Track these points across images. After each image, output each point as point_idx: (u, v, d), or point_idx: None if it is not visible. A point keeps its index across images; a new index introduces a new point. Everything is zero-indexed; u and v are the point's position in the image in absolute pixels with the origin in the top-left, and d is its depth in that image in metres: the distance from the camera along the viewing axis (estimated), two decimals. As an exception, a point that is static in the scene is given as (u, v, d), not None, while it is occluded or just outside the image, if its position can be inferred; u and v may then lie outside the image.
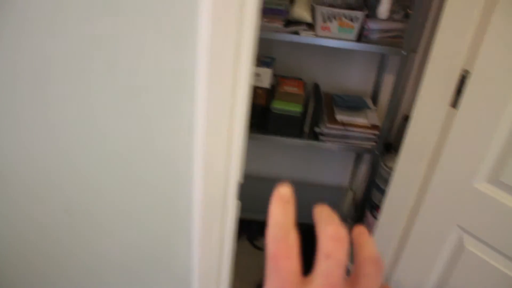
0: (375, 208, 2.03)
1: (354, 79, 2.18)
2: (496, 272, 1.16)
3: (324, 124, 1.90)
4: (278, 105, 1.92)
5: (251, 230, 2.31)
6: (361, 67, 2.14)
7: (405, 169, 1.36)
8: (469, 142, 1.14)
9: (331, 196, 2.47)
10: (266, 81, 1.90)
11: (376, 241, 1.55)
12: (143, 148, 0.73)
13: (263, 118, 1.96)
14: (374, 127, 1.90)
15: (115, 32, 0.64)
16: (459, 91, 1.14)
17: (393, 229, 1.46)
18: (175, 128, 0.69)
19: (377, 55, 2.08)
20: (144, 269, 0.89)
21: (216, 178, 0.67)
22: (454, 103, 1.16)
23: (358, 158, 2.44)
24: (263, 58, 2.01)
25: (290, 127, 1.94)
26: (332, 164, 2.50)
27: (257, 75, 1.89)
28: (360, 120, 1.90)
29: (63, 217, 0.82)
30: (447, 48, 1.15)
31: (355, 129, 1.88)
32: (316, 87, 2.05)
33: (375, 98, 2.16)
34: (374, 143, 1.91)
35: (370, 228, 2.04)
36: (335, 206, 2.38)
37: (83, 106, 0.70)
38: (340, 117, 1.90)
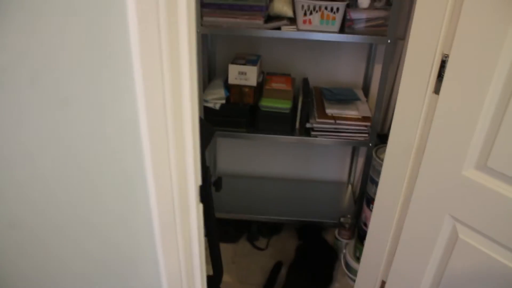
0: (371, 201, 1.99)
1: (344, 71, 2.14)
2: (491, 261, 1.12)
3: (314, 119, 1.86)
4: (266, 103, 1.89)
5: (250, 230, 2.28)
6: (350, 59, 2.10)
7: (393, 159, 1.32)
8: (453, 128, 1.10)
9: (331, 192, 2.44)
10: (252, 79, 1.87)
11: (371, 234, 1.51)
12: (93, 159, 0.70)
13: (253, 117, 1.93)
14: (365, 118, 1.86)
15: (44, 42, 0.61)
16: (441, 76, 1.10)
17: (387, 222, 1.42)
18: (122, 138, 0.66)
19: (365, 45, 2.04)
20: (109, 278, 0.86)
21: (169, 183, 0.64)
22: (437, 89, 1.12)
23: (354, 152, 2.40)
24: (249, 56, 1.98)
25: (280, 124, 1.91)
26: (330, 160, 2.46)
27: (243, 74, 1.86)
28: (350, 112, 1.86)
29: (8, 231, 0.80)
30: (424, 32, 1.11)
31: (346, 122, 1.84)
32: (305, 81, 2.01)
33: (366, 89, 2.12)
34: (367, 135, 1.87)
35: (367, 222, 2.00)
36: (335, 201, 2.34)
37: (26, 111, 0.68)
38: (330, 110, 1.86)
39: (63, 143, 0.69)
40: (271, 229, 2.31)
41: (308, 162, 2.48)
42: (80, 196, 0.75)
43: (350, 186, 2.48)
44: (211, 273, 1.75)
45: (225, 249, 2.22)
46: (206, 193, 1.42)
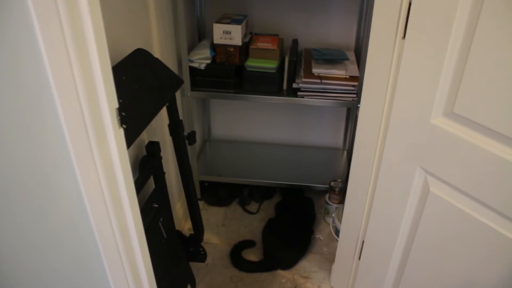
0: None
1: (336, 33, 2.08)
2: (461, 214, 1.08)
3: (300, 79, 1.82)
4: (252, 63, 1.85)
5: (242, 195, 2.27)
6: (341, 19, 2.04)
7: (368, 110, 1.28)
8: (420, 74, 1.05)
9: (326, 157, 2.40)
10: (237, 39, 1.83)
11: (350, 193, 1.48)
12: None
13: (240, 77, 1.90)
14: (353, 78, 1.81)
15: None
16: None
17: (364, 178, 1.39)
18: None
19: (356, 5, 1.98)
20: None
21: (77, 105, 0.61)
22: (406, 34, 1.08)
23: (349, 117, 2.35)
24: (235, 16, 1.94)
25: (267, 84, 1.87)
26: (325, 125, 2.42)
27: (228, 33, 1.83)
28: (337, 72, 1.81)
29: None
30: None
31: (332, 81, 1.80)
32: (294, 42, 1.96)
33: (359, 51, 2.06)
34: (355, 96, 1.82)
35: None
36: (329, 167, 2.31)
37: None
38: (316, 70, 1.82)
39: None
40: (263, 194, 2.30)
41: (304, 128, 2.44)
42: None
43: (345, 152, 2.44)
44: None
45: (217, 212, 2.22)
46: (180, 146, 1.41)
